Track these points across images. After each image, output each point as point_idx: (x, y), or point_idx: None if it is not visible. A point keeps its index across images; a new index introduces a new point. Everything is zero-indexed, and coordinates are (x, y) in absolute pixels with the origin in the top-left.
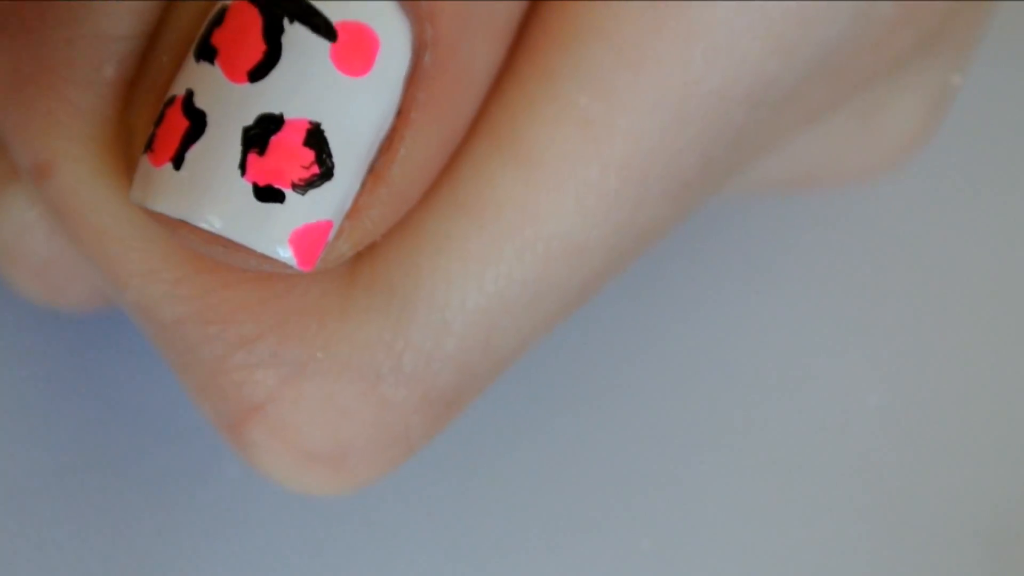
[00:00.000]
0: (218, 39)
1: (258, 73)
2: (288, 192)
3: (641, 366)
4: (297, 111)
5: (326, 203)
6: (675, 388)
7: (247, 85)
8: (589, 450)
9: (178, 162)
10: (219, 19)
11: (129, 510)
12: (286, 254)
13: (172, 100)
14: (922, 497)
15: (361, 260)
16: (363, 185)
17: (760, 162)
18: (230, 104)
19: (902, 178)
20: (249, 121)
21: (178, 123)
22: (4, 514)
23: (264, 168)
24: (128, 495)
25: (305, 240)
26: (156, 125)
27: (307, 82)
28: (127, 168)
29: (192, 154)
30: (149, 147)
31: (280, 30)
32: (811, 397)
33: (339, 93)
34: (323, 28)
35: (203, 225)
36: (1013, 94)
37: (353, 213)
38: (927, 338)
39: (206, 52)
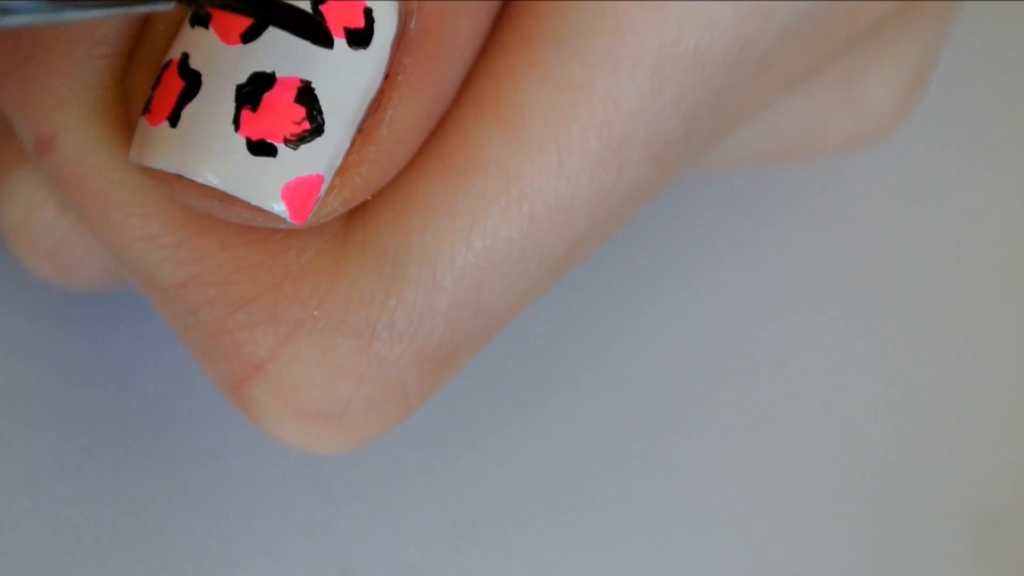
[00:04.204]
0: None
1: (251, 34)
2: (280, 147)
3: (633, 349)
4: (288, 70)
5: (317, 158)
6: (666, 371)
7: (240, 46)
8: (583, 433)
9: (174, 120)
10: None
11: (142, 492)
12: (279, 207)
13: (168, 64)
14: (910, 480)
15: (354, 221)
16: (352, 144)
17: (744, 130)
18: (224, 64)
19: (890, 158)
20: (242, 79)
21: (174, 84)
22: (21, 495)
23: (257, 124)
24: (141, 477)
25: (297, 193)
26: (153, 88)
27: (298, 42)
28: (127, 135)
29: (188, 112)
30: (147, 109)
31: None
32: (801, 382)
33: (329, 54)
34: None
35: (199, 179)
36: (997, 70)
37: (343, 170)
38: (915, 321)
39: (201, 18)
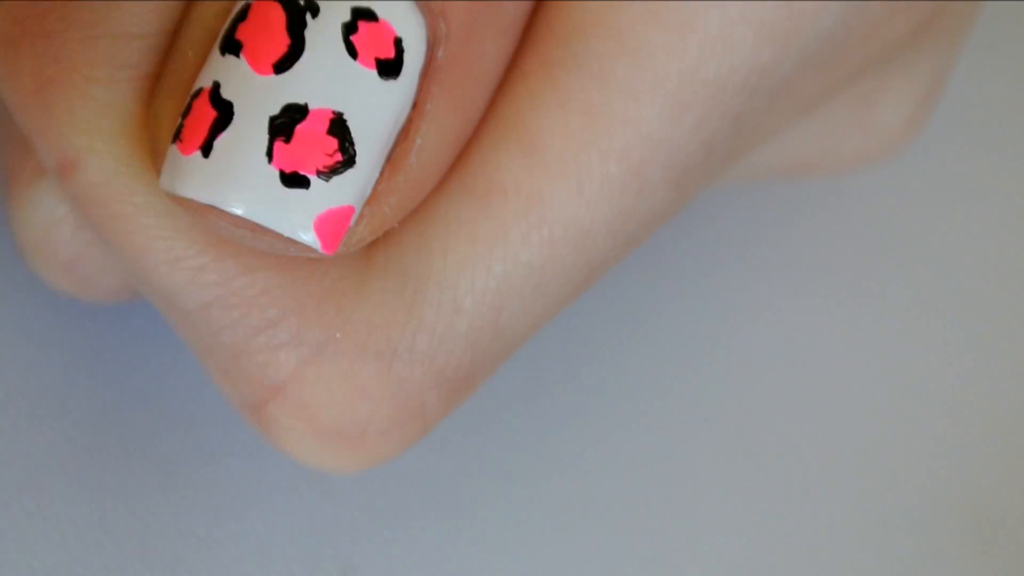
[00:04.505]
0: (243, 34)
1: (283, 65)
2: (313, 178)
3: (636, 350)
4: (321, 101)
5: (348, 189)
6: (669, 373)
7: (272, 77)
8: (584, 432)
9: (207, 150)
10: (243, 15)
11: (142, 491)
12: (310, 238)
13: (199, 92)
14: (911, 481)
15: (376, 245)
16: (382, 173)
17: (758, 150)
18: (256, 94)
19: (895, 164)
20: (275, 110)
21: (206, 113)
22: (24, 494)
23: (290, 155)
24: (141, 477)
25: (328, 224)
26: (184, 116)
27: (330, 74)
28: (152, 160)
29: (220, 142)
30: (178, 137)
31: (303, 24)
32: (802, 383)
33: (360, 85)
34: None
35: (231, 210)
36: (1005, 84)
37: (372, 200)
38: (917, 324)
39: (231, 46)
